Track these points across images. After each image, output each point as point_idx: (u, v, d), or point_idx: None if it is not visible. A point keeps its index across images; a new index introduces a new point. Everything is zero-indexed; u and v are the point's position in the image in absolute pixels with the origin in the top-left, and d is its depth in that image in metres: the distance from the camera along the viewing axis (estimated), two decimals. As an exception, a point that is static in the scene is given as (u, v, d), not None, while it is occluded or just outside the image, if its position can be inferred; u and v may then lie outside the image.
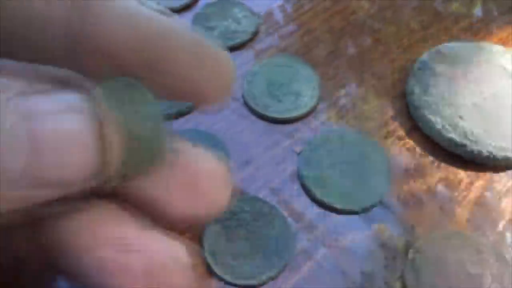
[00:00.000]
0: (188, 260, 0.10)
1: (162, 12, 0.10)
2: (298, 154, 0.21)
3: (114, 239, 0.09)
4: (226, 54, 0.11)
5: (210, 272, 0.18)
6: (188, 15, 0.27)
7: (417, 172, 0.21)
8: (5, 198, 0.08)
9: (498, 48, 0.24)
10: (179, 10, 0.27)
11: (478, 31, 0.27)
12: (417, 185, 0.21)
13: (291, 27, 0.27)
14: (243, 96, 0.23)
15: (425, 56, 0.24)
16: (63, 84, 0.08)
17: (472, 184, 0.21)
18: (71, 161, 0.08)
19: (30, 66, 0.08)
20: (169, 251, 0.10)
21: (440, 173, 0.21)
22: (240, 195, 0.20)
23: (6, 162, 0.07)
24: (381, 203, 0.20)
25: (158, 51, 0.10)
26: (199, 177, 0.10)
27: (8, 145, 0.07)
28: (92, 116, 0.08)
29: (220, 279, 0.18)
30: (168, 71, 0.10)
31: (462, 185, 0.21)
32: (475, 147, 0.21)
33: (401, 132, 0.22)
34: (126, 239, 0.09)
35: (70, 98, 0.08)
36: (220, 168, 0.11)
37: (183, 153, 0.10)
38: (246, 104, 0.23)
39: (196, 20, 0.27)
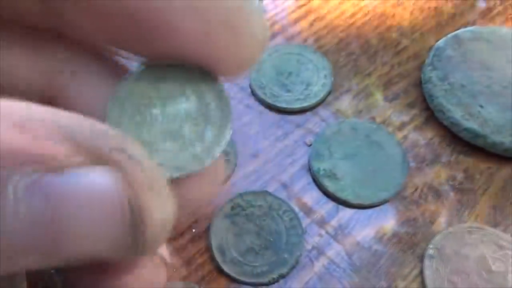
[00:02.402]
0: None
1: None
2: (309, 146, 0.20)
3: None
4: (256, 15, 0.08)
5: (218, 270, 0.17)
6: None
7: (435, 164, 0.20)
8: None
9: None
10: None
11: (495, 16, 0.26)
12: (434, 178, 0.20)
13: (300, 13, 0.26)
14: (250, 86, 0.22)
15: (441, 43, 0.23)
16: (99, 159, 0.07)
17: (493, 176, 0.20)
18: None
19: (75, 118, 0.07)
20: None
21: (459, 165, 0.20)
22: (249, 190, 0.19)
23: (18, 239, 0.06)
24: (396, 196, 0.19)
25: (154, 12, 0.08)
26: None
27: (23, 234, 0.06)
28: (124, 200, 0.07)
29: (229, 276, 0.17)
30: (169, 39, 0.08)
31: (483, 178, 0.20)
32: (496, 138, 0.20)
33: (417, 122, 0.21)
34: None
35: (104, 179, 0.07)
36: None
37: None
38: (253, 93, 0.22)
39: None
